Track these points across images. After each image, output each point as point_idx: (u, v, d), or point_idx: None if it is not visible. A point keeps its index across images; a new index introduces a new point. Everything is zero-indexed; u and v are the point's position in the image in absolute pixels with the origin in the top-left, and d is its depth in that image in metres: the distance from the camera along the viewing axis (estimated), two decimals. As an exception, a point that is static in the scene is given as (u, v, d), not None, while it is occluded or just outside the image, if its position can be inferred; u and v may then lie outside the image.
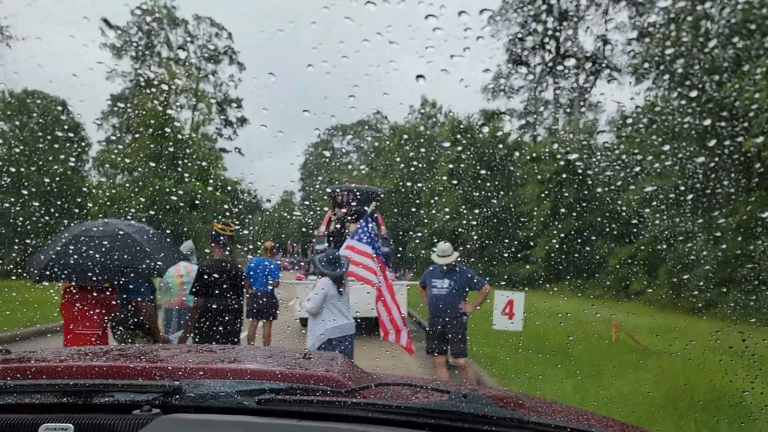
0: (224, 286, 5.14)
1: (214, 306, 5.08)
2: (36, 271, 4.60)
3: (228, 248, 5.45)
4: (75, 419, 1.16)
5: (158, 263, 4.75)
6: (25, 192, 29.13)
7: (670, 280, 19.16)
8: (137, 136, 35.65)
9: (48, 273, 4.53)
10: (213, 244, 5.47)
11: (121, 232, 4.76)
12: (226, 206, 37.95)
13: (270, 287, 9.03)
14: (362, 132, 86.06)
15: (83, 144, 38.31)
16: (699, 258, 16.80)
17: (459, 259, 6.92)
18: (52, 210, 29.29)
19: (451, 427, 1.16)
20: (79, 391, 1.26)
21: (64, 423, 1.15)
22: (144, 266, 4.69)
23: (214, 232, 5.50)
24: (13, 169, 29.08)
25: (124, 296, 4.97)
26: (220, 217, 34.49)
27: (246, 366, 1.58)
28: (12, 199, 28.10)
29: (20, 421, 1.16)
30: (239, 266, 5.61)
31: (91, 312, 4.76)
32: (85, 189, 32.96)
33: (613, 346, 9.90)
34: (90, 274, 4.55)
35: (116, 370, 1.45)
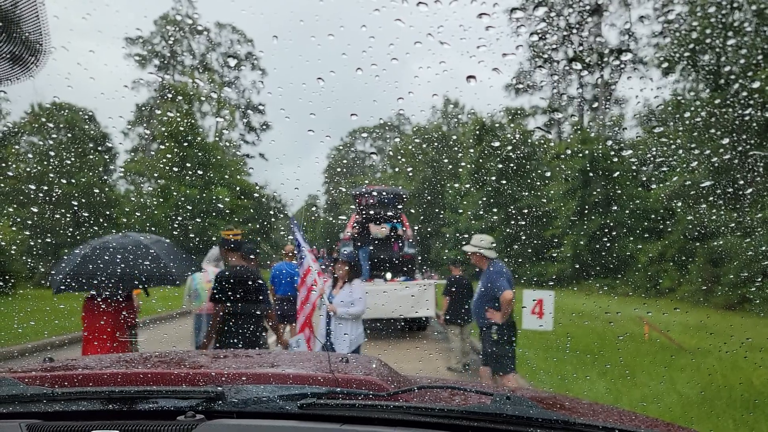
0: (243, 292, 5.14)
1: (234, 312, 5.09)
2: (56, 282, 4.78)
3: (244, 253, 5.47)
4: (121, 426, 1.17)
5: (173, 272, 4.89)
6: (55, 203, 29.74)
7: (702, 276, 18.83)
8: (162, 145, 36.24)
9: (66, 284, 4.72)
10: (226, 252, 5.48)
11: (137, 244, 4.95)
12: (252, 211, 38.27)
13: (293, 292, 9.06)
14: (384, 134, 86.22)
15: (111, 154, 39.04)
16: (731, 253, 16.47)
17: (483, 247, 5.92)
18: (82, 220, 29.86)
19: (496, 429, 1.15)
20: (124, 397, 1.28)
21: (111, 430, 1.16)
22: (159, 275, 4.84)
23: (223, 240, 5.54)
24: (42, 181, 29.71)
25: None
26: (255, 223, 34.86)
27: (286, 371, 1.58)
28: (42, 211, 28.71)
29: (69, 428, 1.18)
30: (257, 271, 5.62)
31: (111, 322, 4.87)
32: (113, 198, 33.53)
33: (646, 345, 9.75)
34: (106, 284, 4.72)
35: (159, 376, 1.47)
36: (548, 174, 33.03)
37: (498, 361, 5.76)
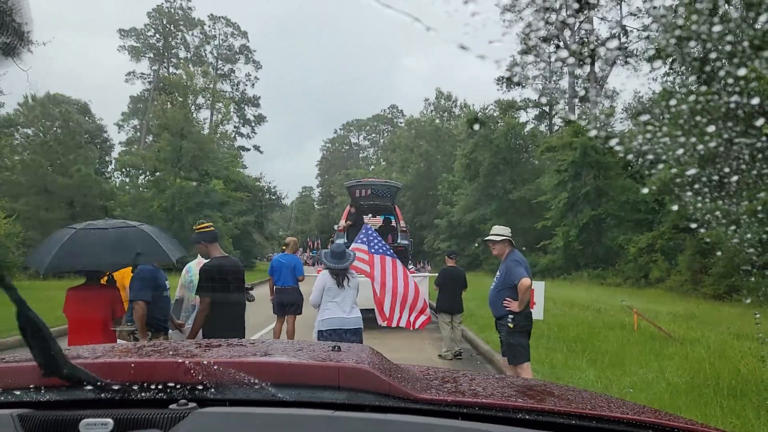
0: (230, 282, 5.13)
1: (222, 302, 5.06)
2: (44, 264, 4.52)
3: (218, 244, 5.43)
4: (114, 414, 1.17)
5: (170, 251, 4.84)
6: (49, 195, 29.57)
7: (691, 266, 18.96)
8: (157, 137, 36.03)
9: (57, 265, 4.57)
10: (206, 244, 5.41)
11: (128, 226, 4.89)
12: (246, 204, 38.18)
13: (293, 283, 9.13)
14: (378, 127, 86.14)
15: (105, 146, 38.84)
16: (719, 243, 16.57)
17: (503, 238, 5.85)
18: (76, 212, 29.72)
19: (485, 416, 1.17)
20: (116, 386, 1.28)
21: (103, 418, 1.16)
22: (156, 254, 4.78)
23: (200, 233, 5.39)
24: (37, 173, 29.53)
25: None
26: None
27: (278, 359, 1.59)
28: (36, 203, 28.56)
29: (61, 417, 1.18)
30: (238, 262, 5.59)
31: (95, 312, 4.77)
32: (108, 190, 33.37)
33: (635, 334, 9.83)
34: (102, 263, 4.62)
35: (151, 365, 1.47)
36: (538, 164, 33.14)
37: (513, 350, 5.70)
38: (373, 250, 8.06)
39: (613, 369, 7.20)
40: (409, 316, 7.97)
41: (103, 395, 1.27)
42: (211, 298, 5.01)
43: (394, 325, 7.97)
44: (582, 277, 26.43)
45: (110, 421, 1.15)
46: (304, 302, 9.28)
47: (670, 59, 18.54)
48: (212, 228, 5.49)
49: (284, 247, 9.66)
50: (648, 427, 1.17)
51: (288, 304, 9.03)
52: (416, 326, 8.08)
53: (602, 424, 1.15)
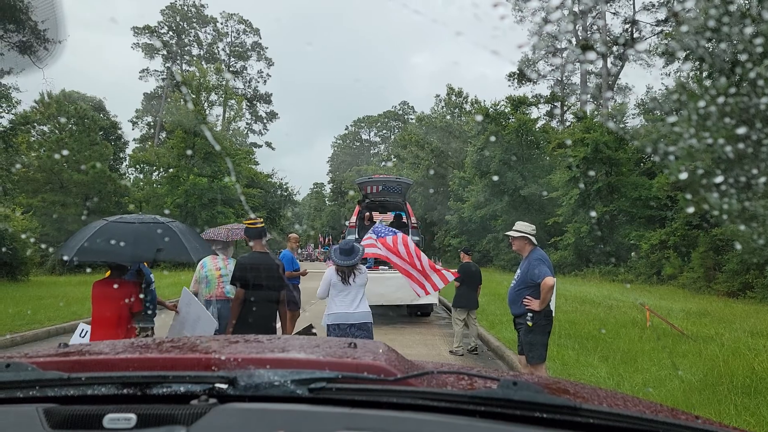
0: (265, 277, 5.28)
1: (251, 297, 5.24)
2: (71, 254, 4.59)
3: (262, 241, 5.63)
4: (136, 409, 1.18)
5: (194, 250, 4.88)
6: (65, 191, 29.83)
7: (704, 263, 18.79)
8: (171, 134, 36.29)
9: (84, 254, 4.61)
10: (251, 239, 5.63)
11: (157, 222, 4.97)
12: (259, 201, 38.37)
13: (295, 279, 9.21)
14: (389, 123, 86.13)
15: (120, 143, 39.19)
16: (740, 241, 16.40)
17: (527, 234, 5.74)
18: (91, 208, 29.98)
19: (503, 414, 1.17)
20: (139, 382, 1.29)
21: (126, 413, 1.18)
22: (178, 252, 4.80)
23: (246, 228, 5.73)
24: (53, 170, 29.78)
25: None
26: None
27: (296, 356, 1.61)
28: (52, 199, 28.81)
29: (86, 412, 1.20)
30: (274, 260, 5.76)
31: (114, 306, 4.83)
32: (123, 186, 33.66)
33: (647, 331, 9.78)
34: (123, 256, 4.70)
35: (172, 361, 1.49)
36: (549, 160, 32.93)
37: (531, 349, 5.63)
38: (378, 236, 8.49)
39: (625, 366, 7.17)
40: (432, 279, 8.29)
41: (125, 391, 1.29)
42: (243, 289, 5.29)
43: (431, 291, 8.38)
44: (593, 273, 26.31)
45: (133, 416, 1.16)
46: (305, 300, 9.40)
47: (685, 54, 18.33)
48: (260, 225, 5.74)
49: (288, 242, 9.80)
50: (666, 427, 1.17)
51: (289, 300, 9.11)
52: (440, 286, 8.44)
53: (620, 423, 1.15)
